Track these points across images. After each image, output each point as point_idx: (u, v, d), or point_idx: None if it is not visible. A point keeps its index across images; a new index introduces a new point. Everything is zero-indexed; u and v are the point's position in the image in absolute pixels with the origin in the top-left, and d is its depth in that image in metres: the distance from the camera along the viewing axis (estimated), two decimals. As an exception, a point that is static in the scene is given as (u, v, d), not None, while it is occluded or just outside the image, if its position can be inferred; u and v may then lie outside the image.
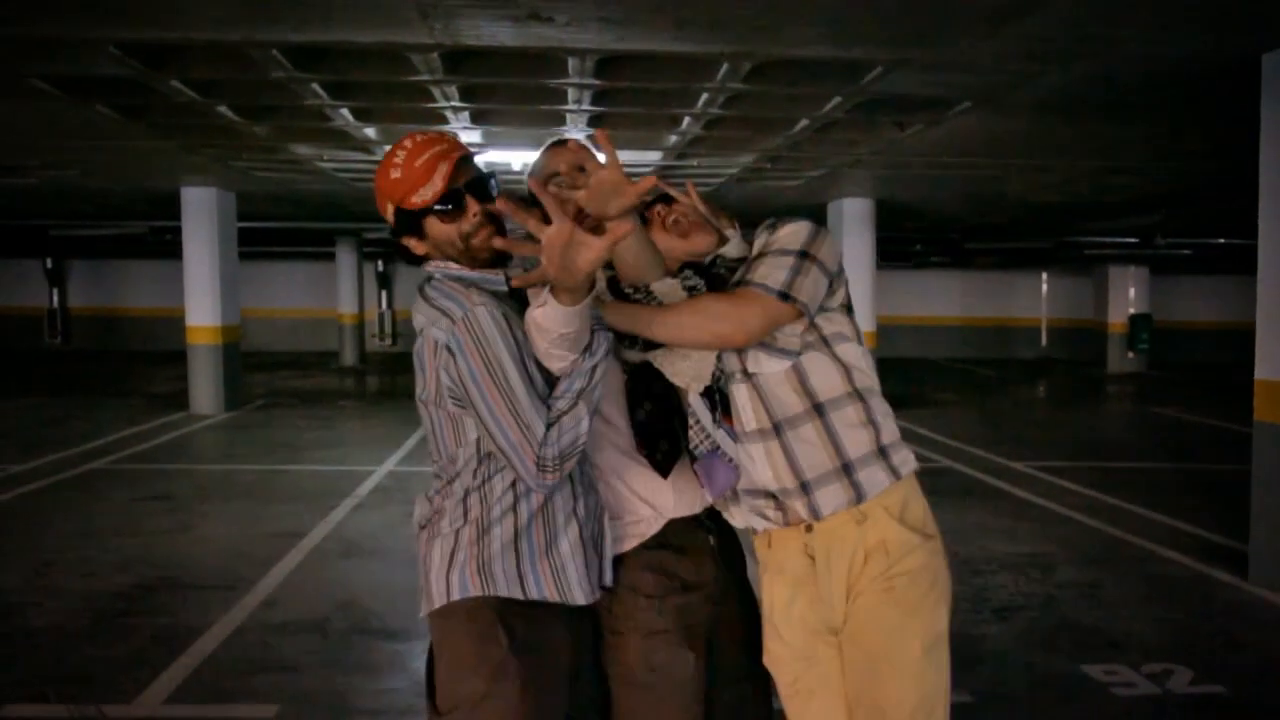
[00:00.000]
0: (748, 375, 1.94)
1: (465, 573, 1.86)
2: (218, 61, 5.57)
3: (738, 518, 2.05)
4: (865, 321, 11.90)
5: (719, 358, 1.96)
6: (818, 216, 12.72)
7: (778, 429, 1.94)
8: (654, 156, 8.64)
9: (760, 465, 1.95)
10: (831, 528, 1.93)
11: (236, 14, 4.62)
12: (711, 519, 2.07)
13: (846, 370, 1.95)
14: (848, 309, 2.02)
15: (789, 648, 2.00)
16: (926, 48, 5.05)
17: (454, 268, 1.89)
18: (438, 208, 1.84)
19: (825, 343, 1.95)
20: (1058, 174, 9.65)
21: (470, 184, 1.86)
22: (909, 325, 20.38)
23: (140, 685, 3.71)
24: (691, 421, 1.97)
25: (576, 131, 7.32)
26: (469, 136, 7.67)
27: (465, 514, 1.88)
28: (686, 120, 6.99)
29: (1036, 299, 21.56)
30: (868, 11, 4.47)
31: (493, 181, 1.95)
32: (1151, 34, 4.77)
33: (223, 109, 6.81)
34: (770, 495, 1.96)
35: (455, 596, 1.85)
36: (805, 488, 1.92)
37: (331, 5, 4.42)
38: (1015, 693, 3.76)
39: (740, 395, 1.96)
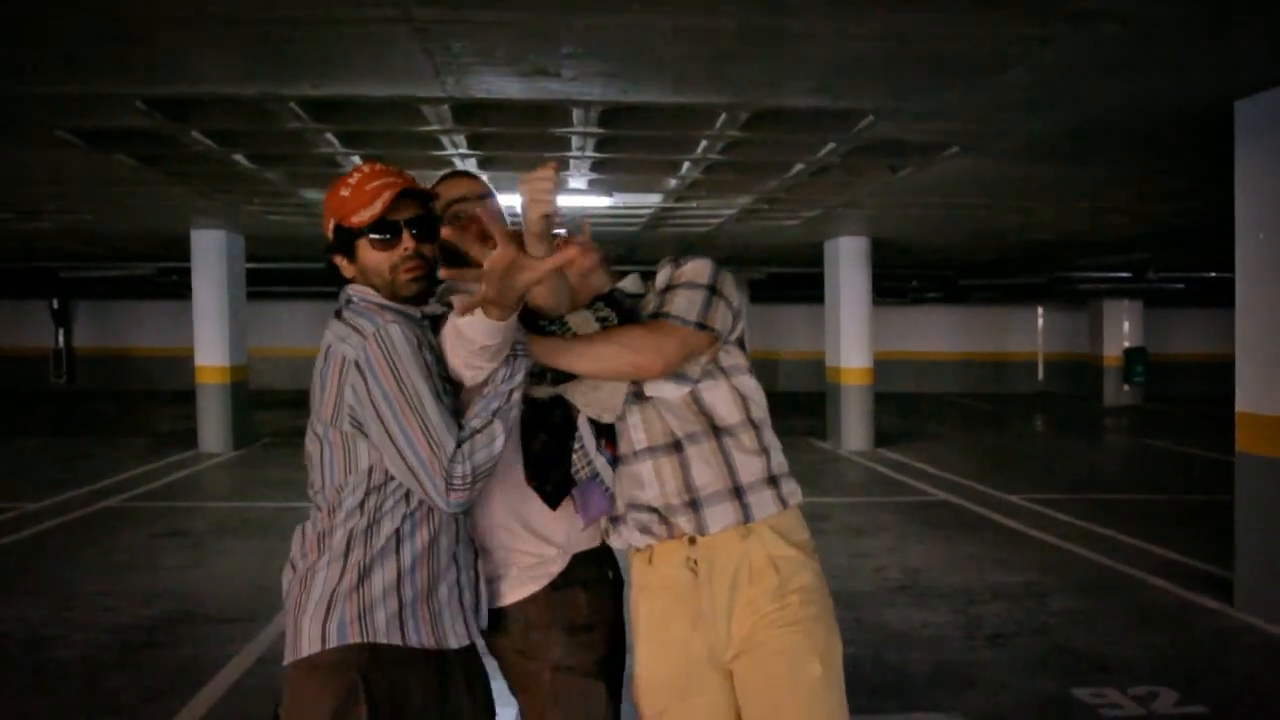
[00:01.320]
0: (641, 399, 2.02)
1: (344, 620, 1.80)
2: (237, 113, 5.80)
3: (619, 539, 2.08)
4: (862, 357, 12.12)
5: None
6: (815, 254, 13.01)
7: (678, 445, 1.99)
8: (654, 199, 8.89)
9: (648, 483, 2.00)
10: (716, 541, 1.97)
11: (260, 71, 4.85)
12: (609, 553, 2.11)
13: (743, 400, 2.04)
14: (741, 344, 2.11)
15: (659, 674, 2.00)
16: (914, 99, 5.30)
17: (371, 294, 1.92)
18: (373, 234, 1.88)
19: (724, 373, 2.04)
20: (1047, 213, 9.90)
21: (412, 221, 1.90)
22: (906, 360, 20.57)
23: (170, 714, 3.87)
24: (576, 447, 2.01)
25: (580, 177, 7.57)
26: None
27: (346, 558, 1.82)
28: (686, 165, 7.24)
29: (1032, 333, 21.78)
30: (858, 68, 4.71)
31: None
32: (1125, 85, 5.02)
33: (238, 157, 7.05)
34: (654, 510, 2.00)
35: (331, 644, 1.79)
36: (695, 505, 1.98)
37: (351, 63, 4.66)
38: (1007, 715, 3.93)
39: (632, 417, 2.02)
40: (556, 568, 2.01)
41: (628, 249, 13.71)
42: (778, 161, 7.16)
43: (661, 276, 2.08)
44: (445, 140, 6.44)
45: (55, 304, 20.75)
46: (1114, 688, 4.16)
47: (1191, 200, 9.02)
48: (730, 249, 13.56)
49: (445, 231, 1.85)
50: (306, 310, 20.91)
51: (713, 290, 2.00)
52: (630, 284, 2.16)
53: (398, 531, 1.84)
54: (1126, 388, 18.53)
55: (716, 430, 2.01)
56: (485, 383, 1.84)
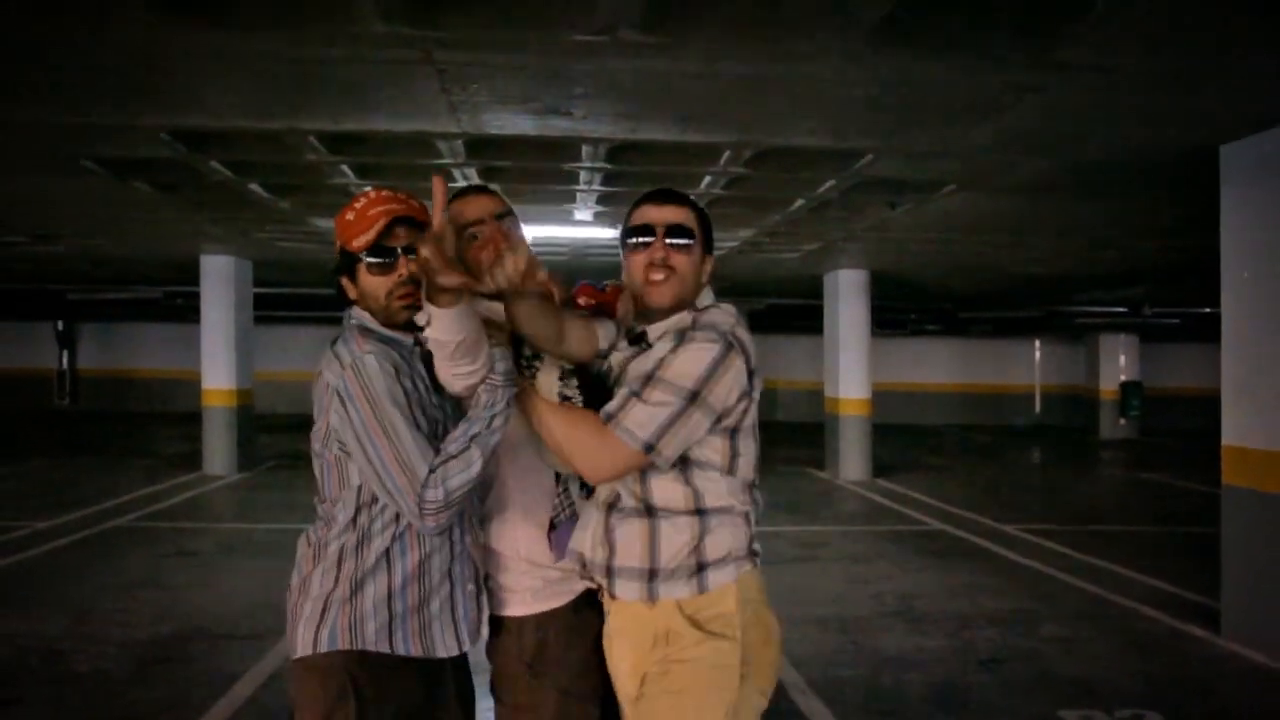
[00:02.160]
0: None
1: (336, 628, 1.92)
2: (256, 144, 5.99)
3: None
4: (861, 388, 12.27)
5: None
6: (815, 286, 13.20)
7: (610, 508, 2.01)
8: (658, 230, 9.07)
9: (588, 534, 2.03)
10: (624, 605, 2.00)
11: (283, 106, 5.04)
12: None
13: (695, 493, 1.97)
14: (733, 431, 2.00)
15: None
16: (912, 140, 5.50)
17: (368, 319, 2.00)
18: (369, 258, 1.94)
19: (685, 465, 1.97)
20: (1042, 248, 10.10)
21: (411, 248, 1.93)
22: (904, 392, 20.73)
23: (186, 724, 4.00)
24: (560, 489, 2.09)
25: (586, 209, 7.76)
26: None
27: (339, 568, 1.93)
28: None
29: (1030, 366, 21.94)
30: (859, 111, 4.91)
31: None
32: (1116, 130, 5.22)
33: (253, 186, 7.25)
34: (580, 558, 2.04)
35: (323, 649, 1.91)
36: (610, 570, 1.99)
37: (371, 99, 4.85)
38: (997, 736, 4.06)
39: None
40: (581, 586, 2.08)
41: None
42: (779, 197, 7.36)
43: (665, 344, 1.97)
44: (457, 173, 6.64)
45: (60, 325, 20.93)
46: (1101, 710, 4.29)
47: (1184, 238, 9.22)
48: (731, 280, 13.75)
49: (425, 251, 1.72)
50: (310, 335, 21.05)
51: (692, 398, 1.89)
52: (604, 339, 2.13)
53: (388, 551, 1.93)
54: (1122, 421, 18.67)
55: (651, 510, 1.98)
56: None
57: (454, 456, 1.85)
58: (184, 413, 18.53)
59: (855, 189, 6.91)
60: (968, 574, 6.91)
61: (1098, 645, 5.31)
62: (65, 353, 21.37)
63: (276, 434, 15.61)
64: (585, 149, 5.83)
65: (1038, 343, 21.88)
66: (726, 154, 5.89)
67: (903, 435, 17.63)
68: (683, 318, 2.02)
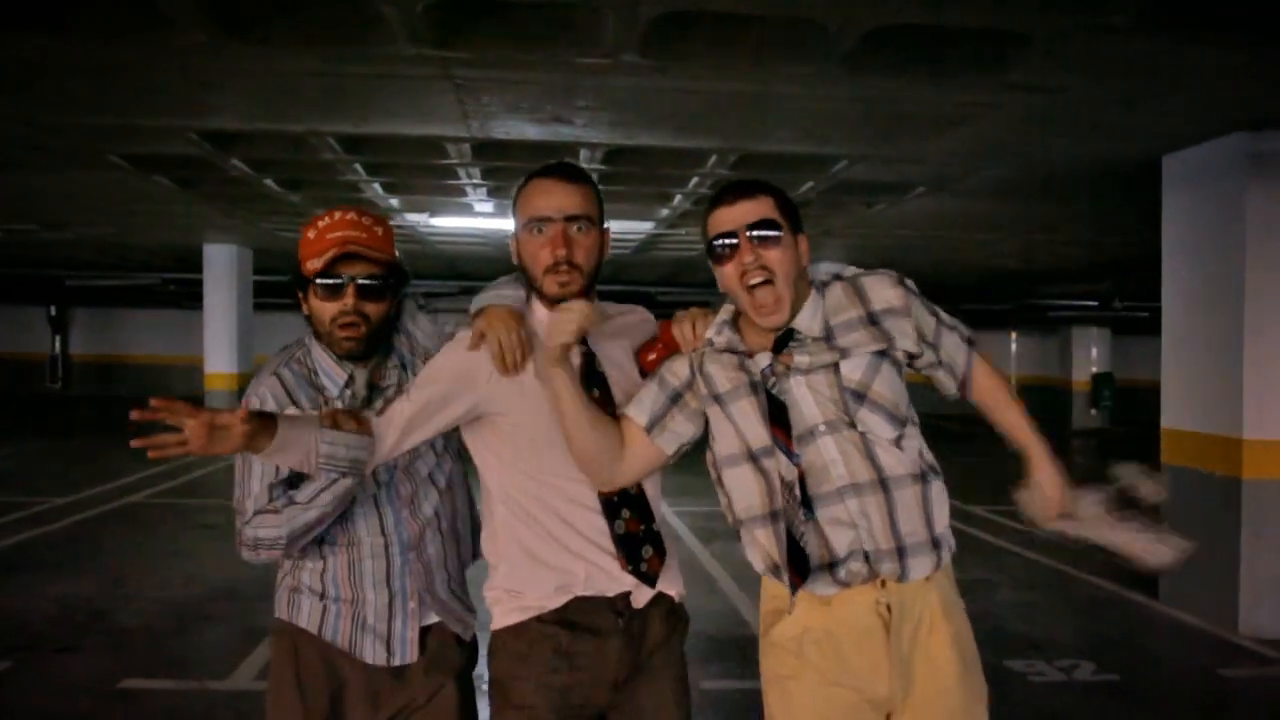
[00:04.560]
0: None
1: (282, 595, 2.05)
2: (277, 144, 6.44)
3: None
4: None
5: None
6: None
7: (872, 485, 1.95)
8: (646, 226, 9.58)
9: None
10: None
11: (310, 112, 5.50)
12: (625, 603, 1.95)
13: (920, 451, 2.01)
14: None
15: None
16: (882, 148, 6.01)
17: (310, 342, 2.03)
18: (317, 281, 1.92)
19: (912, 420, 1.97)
20: (1010, 245, 10.66)
21: (363, 283, 1.92)
22: (882, 381, 21.23)
23: (230, 668, 4.49)
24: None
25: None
26: (484, 207, 8.60)
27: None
28: (678, 198, 7.93)
29: (1005, 358, 22.50)
30: (832, 123, 5.42)
31: (410, 300, 2.10)
32: (1066, 142, 5.74)
33: (269, 181, 7.69)
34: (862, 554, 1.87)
35: (276, 614, 2.07)
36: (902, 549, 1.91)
37: (391, 107, 5.31)
38: (949, 680, 4.59)
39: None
40: (549, 603, 1.92)
41: (615, 269, 14.42)
42: (762, 196, 7.85)
43: (838, 320, 1.90)
44: (461, 172, 7.11)
45: (53, 310, 21.20)
46: (1042, 660, 4.84)
47: (1143, 236, 9.75)
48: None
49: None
50: (299, 321, 21.42)
51: (675, 400, 1.94)
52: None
53: (321, 543, 2.00)
54: (1094, 411, 19.14)
55: (924, 475, 1.99)
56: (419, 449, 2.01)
57: (275, 512, 1.91)
58: (178, 397, 18.87)
59: (833, 190, 7.42)
60: (933, 548, 7.43)
61: (1046, 609, 5.87)
62: (57, 337, 21.66)
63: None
64: (584, 152, 6.32)
65: (1013, 335, 22.47)
66: (713, 158, 6.39)
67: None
68: (839, 300, 1.91)
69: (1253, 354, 5.32)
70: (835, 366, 1.84)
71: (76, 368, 21.87)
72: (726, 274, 1.86)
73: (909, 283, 1.93)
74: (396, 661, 1.99)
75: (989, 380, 2.04)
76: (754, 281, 1.81)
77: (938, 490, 1.95)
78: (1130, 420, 19.70)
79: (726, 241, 1.85)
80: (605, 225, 2.01)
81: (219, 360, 12.61)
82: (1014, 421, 2.06)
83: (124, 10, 3.90)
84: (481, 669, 2.10)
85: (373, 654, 1.98)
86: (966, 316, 2.13)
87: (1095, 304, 17.72)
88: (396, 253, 2.01)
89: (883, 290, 1.90)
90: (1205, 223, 5.62)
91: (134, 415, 1.70)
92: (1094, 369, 19.31)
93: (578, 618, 1.91)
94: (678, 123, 5.49)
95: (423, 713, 2.03)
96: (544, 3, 3.94)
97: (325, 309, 1.93)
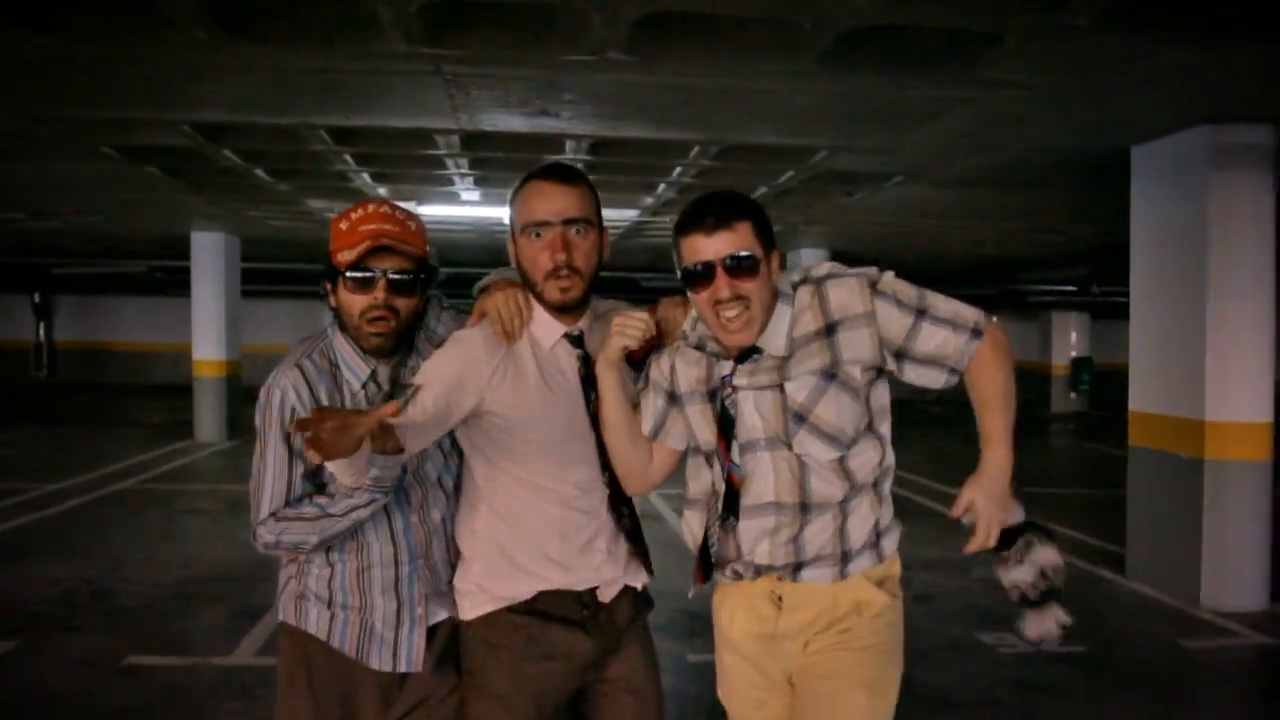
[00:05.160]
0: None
1: (289, 600, 2.02)
2: (268, 136, 6.55)
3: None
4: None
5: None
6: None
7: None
8: (631, 214, 9.73)
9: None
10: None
11: (303, 105, 5.63)
12: (591, 595, 2.03)
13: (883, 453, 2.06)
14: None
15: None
16: (859, 139, 6.18)
17: (335, 335, 2.00)
18: (348, 274, 1.89)
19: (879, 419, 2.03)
20: (988, 232, 10.86)
21: (393, 276, 1.90)
22: (865, 366, 21.43)
23: (232, 645, 4.65)
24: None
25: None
26: (471, 196, 8.73)
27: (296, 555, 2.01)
28: (662, 187, 8.08)
29: (986, 342, 22.70)
30: (810, 116, 5.58)
31: (435, 299, 2.09)
32: (1037, 134, 5.92)
33: (259, 171, 7.79)
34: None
35: (280, 619, 2.05)
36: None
37: (382, 101, 5.44)
38: (922, 650, 4.79)
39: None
40: (520, 593, 2.00)
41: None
42: (744, 185, 8.02)
43: (807, 328, 1.91)
44: (449, 162, 7.24)
45: (37, 298, 21.11)
46: (1012, 633, 5.03)
47: (1116, 224, 9.97)
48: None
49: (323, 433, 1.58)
50: (292, 309, 21.43)
51: (670, 399, 2.03)
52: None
53: (329, 550, 1.98)
54: (1073, 395, 19.34)
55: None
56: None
57: (306, 519, 1.90)
58: (162, 385, 18.98)
59: (813, 179, 7.58)
60: (912, 529, 7.55)
61: (1018, 585, 6.07)
62: (42, 325, 21.59)
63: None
64: (569, 143, 6.46)
65: (994, 319, 22.67)
66: (695, 149, 6.54)
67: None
68: (803, 309, 1.92)
69: (1214, 339, 5.54)
70: (781, 387, 1.88)
71: (62, 355, 21.77)
72: (699, 300, 1.87)
73: (886, 280, 1.91)
74: (402, 669, 1.98)
75: (984, 379, 2.00)
76: (730, 315, 1.83)
77: (869, 505, 1.98)
78: (1108, 403, 20.03)
79: (702, 271, 1.84)
80: (604, 225, 2.03)
81: (206, 348, 12.67)
82: (986, 431, 2.01)
83: (125, 11, 4.03)
84: None
85: (379, 661, 1.97)
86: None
87: (1074, 289, 17.95)
88: (428, 248, 2.01)
89: (845, 297, 1.88)
90: (1170, 213, 5.82)
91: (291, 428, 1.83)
92: (1073, 353, 19.51)
93: (547, 608, 1.98)
94: (661, 116, 5.64)
95: (441, 706, 2.03)
96: (532, 4, 4.08)
97: (355, 302, 1.90)
